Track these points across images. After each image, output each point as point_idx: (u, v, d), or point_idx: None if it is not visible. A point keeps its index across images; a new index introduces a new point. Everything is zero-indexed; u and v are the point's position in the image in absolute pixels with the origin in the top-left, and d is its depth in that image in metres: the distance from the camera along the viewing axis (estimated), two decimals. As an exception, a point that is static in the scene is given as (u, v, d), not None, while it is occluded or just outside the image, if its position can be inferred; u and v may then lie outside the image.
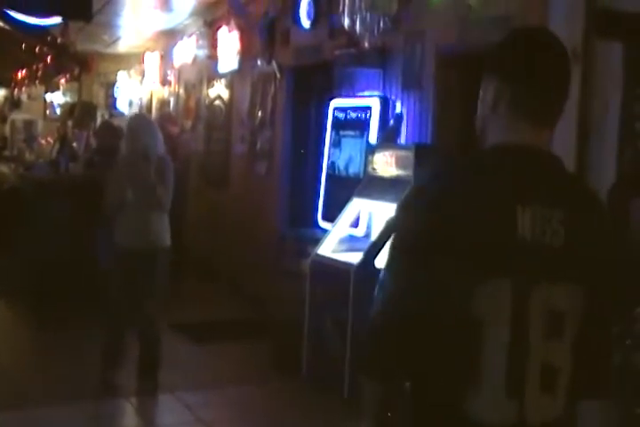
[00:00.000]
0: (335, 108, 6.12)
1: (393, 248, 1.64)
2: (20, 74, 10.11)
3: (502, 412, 1.52)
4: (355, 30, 5.37)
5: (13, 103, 12.73)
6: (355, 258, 4.81)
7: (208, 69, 9.15)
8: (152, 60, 11.38)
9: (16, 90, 12.39)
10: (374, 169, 5.15)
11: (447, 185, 1.60)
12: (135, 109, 12.03)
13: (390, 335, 1.58)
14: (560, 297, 1.55)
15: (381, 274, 1.63)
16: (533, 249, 1.53)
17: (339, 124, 6.05)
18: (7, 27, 7.86)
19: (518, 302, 1.51)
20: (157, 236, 5.07)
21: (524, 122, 1.62)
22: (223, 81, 8.81)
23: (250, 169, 7.96)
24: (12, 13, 6.48)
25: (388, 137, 5.44)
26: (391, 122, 5.49)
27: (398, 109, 5.47)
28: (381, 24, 5.28)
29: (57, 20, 6.85)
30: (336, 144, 6.05)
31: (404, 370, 1.62)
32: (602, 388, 1.69)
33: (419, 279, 1.54)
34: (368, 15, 5.27)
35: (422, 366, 1.59)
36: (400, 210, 1.68)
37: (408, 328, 1.56)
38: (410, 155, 4.82)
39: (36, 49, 9.40)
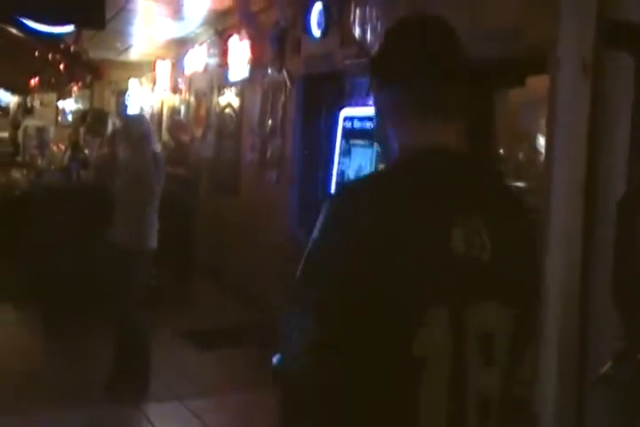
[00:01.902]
0: (345, 118, 6.12)
1: (307, 280, 1.37)
2: (33, 81, 10.14)
3: None
4: (365, 40, 5.38)
5: (26, 110, 12.77)
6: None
7: (219, 78, 9.18)
8: (163, 68, 11.44)
9: (29, 97, 12.44)
10: (383, 178, 5.15)
11: (369, 200, 1.36)
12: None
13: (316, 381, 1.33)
14: (491, 316, 1.37)
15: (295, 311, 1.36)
16: (464, 264, 1.34)
17: (349, 133, 6.05)
18: (21, 35, 7.90)
19: (455, 329, 1.32)
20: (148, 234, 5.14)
21: (429, 123, 1.45)
22: (234, 89, 8.83)
23: (260, 177, 7.97)
24: (26, 21, 6.53)
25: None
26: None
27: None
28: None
29: (70, 28, 6.89)
30: (346, 153, 6.05)
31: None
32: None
33: (348, 311, 1.29)
34: (378, 25, 5.28)
35: (353, 408, 1.35)
36: (316, 234, 1.37)
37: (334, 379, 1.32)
38: (419, 165, 4.81)
39: (49, 56, 9.43)
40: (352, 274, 1.28)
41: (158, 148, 5.48)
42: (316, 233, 1.36)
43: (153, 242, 5.18)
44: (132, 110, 12.06)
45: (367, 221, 1.31)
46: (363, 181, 1.57)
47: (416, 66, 1.45)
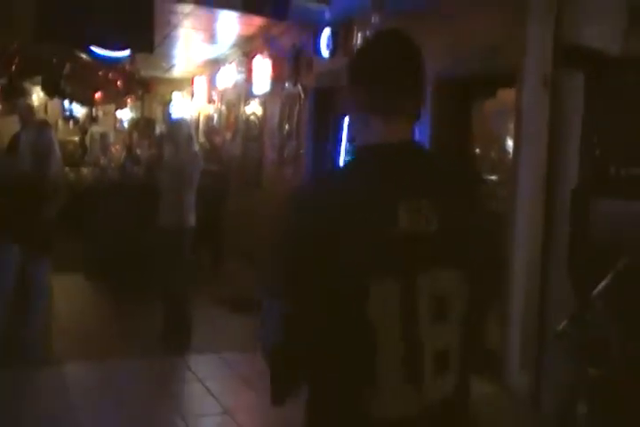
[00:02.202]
0: (349, 122, 6.10)
1: (277, 260, 1.33)
2: (97, 95, 10.17)
3: (403, 404, 1.29)
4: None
5: (92, 119, 12.81)
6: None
7: (245, 91, 9.16)
8: (200, 84, 11.41)
9: (94, 108, 12.47)
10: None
11: (323, 190, 1.34)
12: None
13: (292, 351, 1.30)
14: (443, 281, 1.32)
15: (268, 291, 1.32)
16: (412, 240, 1.28)
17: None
18: (88, 58, 8.01)
19: (406, 296, 1.27)
20: (188, 215, 5.16)
21: (383, 119, 1.38)
22: (257, 100, 8.82)
23: (279, 172, 7.97)
24: (93, 48, 6.63)
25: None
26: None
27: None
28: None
29: (126, 52, 6.93)
30: (350, 153, 6.04)
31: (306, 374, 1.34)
32: (477, 362, 1.47)
33: (310, 286, 1.26)
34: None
35: (323, 370, 1.32)
36: (284, 221, 1.34)
37: (306, 341, 1.30)
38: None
39: (109, 75, 9.48)
40: (311, 253, 1.26)
41: (197, 148, 5.47)
42: (284, 222, 1.33)
43: (191, 222, 5.19)
44: (175, 118, 12.05)
45: (323, 208, 1.28)
46: (322, 176, 1.55)
47: (379, 70, 1.39)
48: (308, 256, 1.26)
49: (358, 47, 1.50)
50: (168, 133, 5.54)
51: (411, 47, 1.42)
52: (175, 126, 5.46)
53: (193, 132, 5.59)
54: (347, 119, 6.11)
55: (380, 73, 1.38)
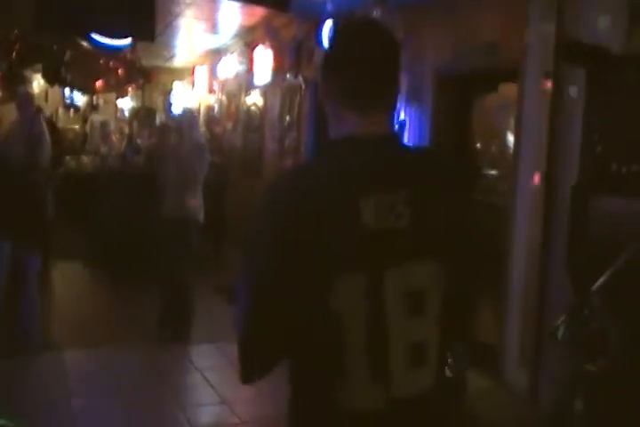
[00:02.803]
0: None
1: (249, 251, 1.31)
2: (98, 84, 10.15)
3: (371, 397, 1.27)
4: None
5: (92, 107, 12.78)
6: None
7: (246, 81, 9.13)
8: (201, 73, 11.36)
9: (94, 96, 12.43)
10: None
11: (292, 185, 1.31)
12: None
13: (260, 341, 1.30)
14: (416, 276, 1.28)
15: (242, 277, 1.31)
16: (379, 235, 1.24)
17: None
18: (90, 47, 7.96)
19: (373, 290, 1.25)
20: (193, 208, 5.11)
21: (356, 111, 1.33)
22: (258, 91, 8.79)
23: (280, 163, 7.96)
24: (94, 36, 6.59)
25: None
26: (396, 128, 5.47)
27: (402, 118, 5.45)
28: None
29: (127, 41, 6.91)
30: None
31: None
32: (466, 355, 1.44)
33: (276, 279, 1.25)
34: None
35: (296, 361, 1.32)
36: (256, 215, 1.31)
37: (274, 328, 1.28)
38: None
39: (110, 64, 9.45)
40: (280, 246, 1.24)
41: (203, 139, 5.43)
42: (258, 215, 1.31)
43: (199, 216, 5.15)
44: (175, 107, 12.02)
45: (290, 203, 1.25)
46: (295, 170, 1.51)
47: (351, 62, 1.33)
48: (277, 249, 1.24)
49: (331, 37, 1.42)
50: (174, 121, 5.51)
51: (385, 37, 1.36)
52: (182, 117, 5.44)
53: (199, 123, 5.57)
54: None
55: (353, 64, 1.33)
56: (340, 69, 1.34)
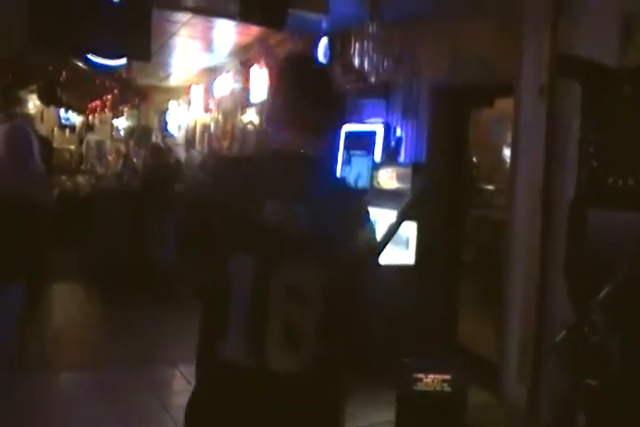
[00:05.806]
0: (346, 132, 6.12)
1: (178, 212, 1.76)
2: (94, 103, 10.21)
3: (245, 359, 1.50)
4: (363, 68, 5.38)
5: (88, 127, 12.83)
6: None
7: (242, 100, 9.17)
8: (197, 92, 11.42)
9: (90, 116, 12.48)
10: (378, 183, 5.16)
11: (226, 169, 1.66)
12: (182, 132, 12.08)
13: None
14: (303, 273, 1.49)
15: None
16: (274, 234, 1.49)
17: (349, 145, 6.05)
18: (85, 67, 8.02)
19: (260, 276, 1.48)
20: None
21: (282, 131, 1.63)
22: (254, 109, 8.83)
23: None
24: (90, 56, 6.64)
25: (390, 156, 5.44)
26: (392, 144, 5.49)
27: (399, 133, 5.47)
28: (385, 63, 5.30)
29: (122, 60, 6.95)
30: (347, 162, 6.06)
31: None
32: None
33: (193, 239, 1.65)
34: (374, 56, 5.29)
35: (202, 305, 1.63)
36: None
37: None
38: (408, 171, 4.83)
39: (106, 83, 9.50)
40: (199, 211, 1.63)
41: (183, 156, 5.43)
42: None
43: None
44: (171, 126, 12.06)
45: (221, 184, 1.60)
46: (236, 158, 1.96)
47: (281, 91, 1.65)
48: (196, 214, 1.64)
49: (276, 69, 1.72)
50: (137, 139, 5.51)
51: (313, 72, 1.66)
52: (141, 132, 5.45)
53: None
54: (344, 128, 6.13)
55: (282, 93, 1.64)
56: (273, 98, 1.68)
